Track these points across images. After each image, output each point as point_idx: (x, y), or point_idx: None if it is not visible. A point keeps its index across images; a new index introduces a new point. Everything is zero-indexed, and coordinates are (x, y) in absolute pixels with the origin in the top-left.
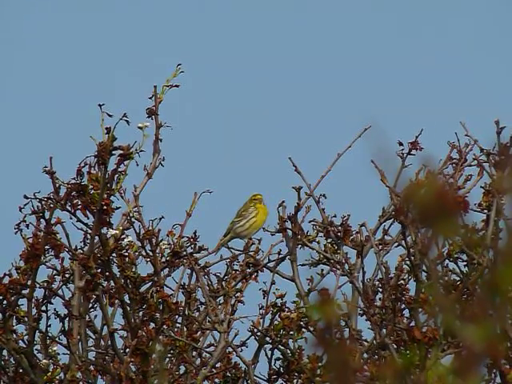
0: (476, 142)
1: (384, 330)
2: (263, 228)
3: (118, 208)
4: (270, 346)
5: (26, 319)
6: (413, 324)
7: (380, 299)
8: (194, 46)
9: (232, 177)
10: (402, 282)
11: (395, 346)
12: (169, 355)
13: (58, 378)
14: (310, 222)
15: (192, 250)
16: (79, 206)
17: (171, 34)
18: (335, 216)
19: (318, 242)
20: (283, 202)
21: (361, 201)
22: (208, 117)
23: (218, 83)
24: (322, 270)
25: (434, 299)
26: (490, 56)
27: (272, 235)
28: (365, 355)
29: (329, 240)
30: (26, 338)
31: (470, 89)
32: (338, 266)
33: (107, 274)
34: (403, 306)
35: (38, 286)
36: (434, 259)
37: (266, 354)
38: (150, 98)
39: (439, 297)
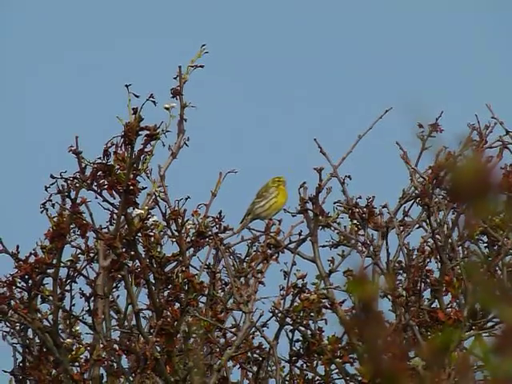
0: (502, 123)
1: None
2: (284, 209)
3: (144, 188)
4: (291, 328)
5: (50, 298)
6: (435, 305)
7: (402, 281)
8: (217, 26)
9: (256, 157)
10: (423, 263)
11: (418, 328)
12: (193, 335)
13: (82, 357)
14: (334, 203)
15: (217, 230)
16: (105, 186)
17: (194, 15)
18: (360, 197)
19: (339, 224)
20: (304, 182)
21: (380, 183)
22: (233, 96)
23: (240, 62)
24: (343, 251)
25: (472, 278)
26: None
27: (293, 216)
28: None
29: (354, 222)
30: (50, 317)
31: (493, 71)
32: (363, 248)
33: (132, 253)
34: (425, 287)
35: (62, 265)
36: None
37: (287, 335)
38: (175, 78)
39: (479, 276)
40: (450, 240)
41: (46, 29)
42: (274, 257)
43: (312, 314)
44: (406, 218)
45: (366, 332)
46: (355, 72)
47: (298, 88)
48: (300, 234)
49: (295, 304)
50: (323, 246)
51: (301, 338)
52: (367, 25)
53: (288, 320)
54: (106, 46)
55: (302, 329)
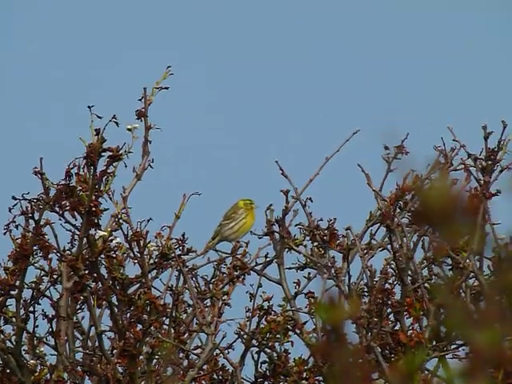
0: (463, 146)
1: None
2: (250, 231)
3: (106, 209)
4: (257, 349)
5: (13, 320)
6: (398, 327)
7: (365, 303)
8: (186, 43)
9: (220, 179)
10: (387, 285)
11: (380, 350)
12: (156, 357)
13: (45, 378)
14: (296, 225)
15: (180, 252)
16: (67, 208)
17: (162, 31)
18: (321, 220)
19: (305, 246)
20: (271, 205)
21: (348, 205)
22: (196, 118)
23: (206, 83)
24: (309, 273)
25: (441, 302)
26: (477, 61)
27: (259, 238)
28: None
29: (315, 244)
30: (13, 338)
31: (457, 93)
32: (325, 270)
33: (95, 275)
34: (388, 309)
35: (26, 286)
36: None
37: (253, 357)
38: (140, 100)
39: (447, 300)
40: (411, 262)
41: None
42: (240, 279)
43: (278, 336)
44: (372, 241)
45: (334, 355)
46: (322, 94)
47: (265, 110)
48: (266, 256)
49: (261, 326)
50: (289, 268)
51: (267, 360)
52: (333, 46)
53: (254, 342)
54: (72, 66)
55: (268, 351)
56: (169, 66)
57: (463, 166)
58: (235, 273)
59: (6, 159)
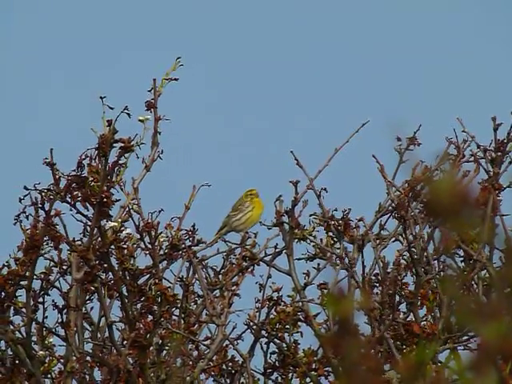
0: (473, 138)
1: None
2: (260, 222)
3: (117, 200)
4: (266, 340)
5: (23, 310)
6: (410, 318)
7: (377, 293)
8: (193, 37)
9: (231, 170)
10: (399, 276)
11: (392, 341)
12: (166, 348)
13: (54, 369)
14: (310, 215)
15: (190, 243)
16: (79, 198)
17: (171, 25)
18: (336, 210)
19: (315, 237)
20: (280, 196)
21: (356, 196)
22: (207, 109)
23: (217, 74)
24: (319, 264)
25: (449, 294)
26: (488, 52)
27: (269, 229)
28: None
29: (329, 234)
30: (22, 329)
31: (469, 84)
32: (338, 261)
33: (106, 266)
34: (400, 300)
35: (35, 277)
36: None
37: (262, 348)
38: (149, 91)
39: (455, 292)
40: (425, 253)
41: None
42: (249, 269)
43: (287, 326)
44: (382, 232)
45: (343, 348)
46: (333, 85)
47: (275, 101)
48: (276, 247)
49: (271, 316)
50: (299, 259)
51: (276, 351)
52: (342, 38)
53: (263, 333)
54: (82, 59)
55: (278, 341)
56: (178, 57)
57: (473, 157)
58: (244, 264)
59: (17, 150)
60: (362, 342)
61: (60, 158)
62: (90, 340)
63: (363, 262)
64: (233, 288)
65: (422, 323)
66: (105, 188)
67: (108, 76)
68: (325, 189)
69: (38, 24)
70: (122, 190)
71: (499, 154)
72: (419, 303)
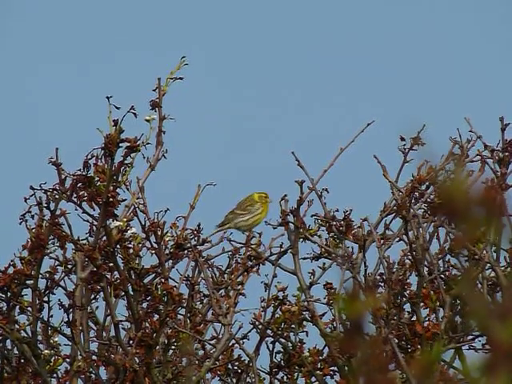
0: (480, 137)
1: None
2: (265, 221)
3: (123, 200)
4: (272, 339)
5: (29, 309)
6: (414, 319)
7: (381, 294)
8: (199, 35)
9: (235, 170)
10: (403, 276)
11: (396, 341)
12: (172, 347)
13: (60, 368)
14: (312, 216)
15: (196, 243)
16: (85, 198)
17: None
18: (337, 210)
19: (320, 236)
20: (285, 195)
21: (362, 195)
22: (212, 108)
23: (222, 74)
24: (324, 263)
25: (462, 293)
26: (496, 52)
27: (274, 228)
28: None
29: (331, 234)
30: (28, 328)
31: (475, 84)
32: (342, 261)
33: (111, 265)
34: (404, 300)
35: (40, 276)
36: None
37: (268, 347)
38: (154, 91)
39: (471, 292)
40: (427, 253)
41: (24, 40)
42: (254, 269)
43: (293, 326)
44: (387, 231)
45: (355, 348)
46: (339, 84)
47: (276, 100)
48: (281, 247)
49: (276, 316)
50: (304, 259)
51: (281, 350)
52: (349, 36)
53: (269, 332)
54: (88, 58)
55: (283, 341)
56: (183, 57)
57: (480, 157)
58: (249, 263)
59: (22, 150)
60: (372, 342)
61: (65, 158)
62: (95, 339)
63: (365, 263)
64: (238, 287)
65: (425, 323)
66: (111, 188)
67: (110, 74)
68: (326, 189)
69: (44, 23)
70: (127, 189)
71: (507, 154)
72: (422, 303)
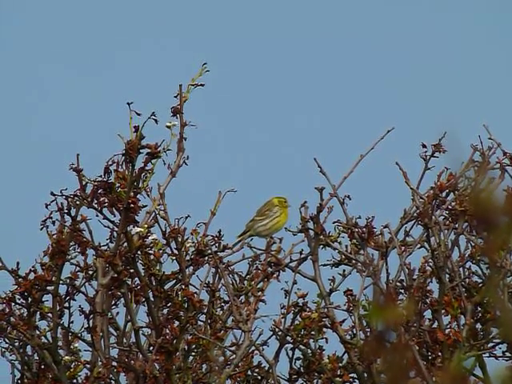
0: (499, 145)
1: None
2: (285, 228)
3: (144, 206)
4: (291, 346)
5: (49, 315)
6: (435, 326)
7: (402, 301)
8: (218, 42)
9: (255, 176)
10: (423, 283)
11: (417, 348)
12: (193, 353)
13: (80, 374)
14: (333, 222)
15: (216, 249)
16: (106, 204)
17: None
18: (360, 217)
19: (340, 243)
20: (305, 202)
21: (380, 202)
22: (231, 115)
23: (242, 81)
24: (344, 270)
25: (492, 303)
26: None
27: (294, 235)
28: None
29: (353, 241)
30: (48, 334)
31: (495, 92)
32: (363, 268)
33: (132, 271)
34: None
35: (61, 282)
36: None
37: (287, 354)
38: (176, 97)
39: (499, 301)
40: (449, 260)
41: (43, 45)
42: (274, 275)
43: (313, 332)
44: (407, 238)
45: (386, 355)
46: (357, 91)
47: (297, 107)
48: (301, 253)
49: (296, 323)
50: (324, 265)
51: (301, 357)
52: (366, 43)
53: (288, 338)
54: (107, 64)
55: (303, 347)
56: (204, 63)
57: (499, 164)
58: (269, 269)
59: (43, 156)
60: (402, 349)
61: (86, 164)
62: (115, 345)
63: (387, 270)
64: (258, 294)
65: (447, 330)
66: (131, 194)
67: (134, 80)
68: (348, 196)
69: (58, 26)
70: (148, 195)
71: None
72: (443, 310)
